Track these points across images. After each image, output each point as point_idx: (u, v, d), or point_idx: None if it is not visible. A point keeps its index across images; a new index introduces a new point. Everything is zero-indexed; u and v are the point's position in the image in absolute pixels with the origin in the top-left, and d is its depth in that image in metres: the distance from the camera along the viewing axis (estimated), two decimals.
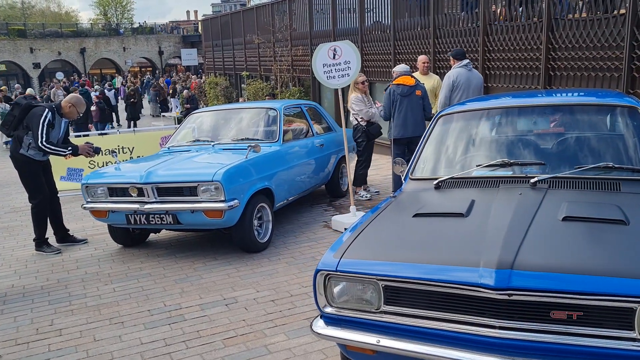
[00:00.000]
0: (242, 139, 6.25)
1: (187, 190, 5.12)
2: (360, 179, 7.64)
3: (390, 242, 2.54)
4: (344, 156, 7.73)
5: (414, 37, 9.99)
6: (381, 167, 9.66)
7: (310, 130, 7.04)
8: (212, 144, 6.19)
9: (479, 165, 3.21)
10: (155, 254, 5.66)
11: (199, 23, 25.48)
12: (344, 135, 6.44)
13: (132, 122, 21.16)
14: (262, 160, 5.65)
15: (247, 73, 16.82)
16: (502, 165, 3.15)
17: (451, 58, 7.08)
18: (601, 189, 2.84)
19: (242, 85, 18.05)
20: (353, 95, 7.33)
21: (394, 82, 6.69)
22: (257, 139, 6.24)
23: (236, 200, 5.06)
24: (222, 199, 5.00)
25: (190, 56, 23.84)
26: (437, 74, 8.97)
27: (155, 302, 4.39)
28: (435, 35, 9.43)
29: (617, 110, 3.23)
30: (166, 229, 5.83)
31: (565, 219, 2.44)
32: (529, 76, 7.70)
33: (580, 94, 3.67)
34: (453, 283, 2.15)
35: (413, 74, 6.98)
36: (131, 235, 5.93)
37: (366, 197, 7.49)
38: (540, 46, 7.43)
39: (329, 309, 2.46)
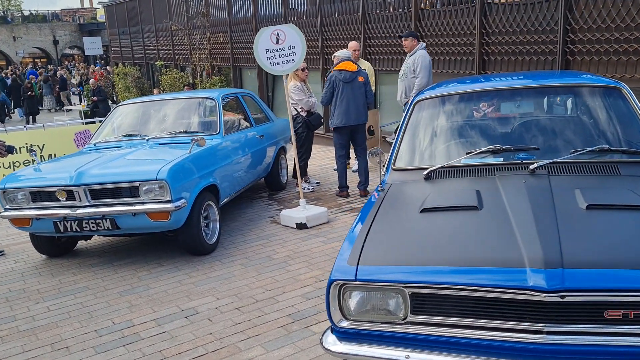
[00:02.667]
0: (180, 132, 5.74)
1: (127, 191, 4.59)
2: (301, 171, 7.32)
3: (407, 242, 2.28)
4: (283, 147, 7.41)
5: (342, 23, 9.78)
6: (314, 157, 9.40)
7: (249, 121, 6.63)
8: (146, 138, 5.63)
9: (470, 153, 3.02)
10: (88, 264, 5.06)
11: (104, 9, 23.83)
12: (290, 125, 6.09)
13: (30, 117, 19.51)
14: (206, 155, 5.20)
15: (162, 62, 15.92)
16: (494, 151, 2.98)
17: (410, 39, 6.87)
18: (601, 173, 2.74)
19: (157, 75, 17.10)
20: (292, 84, 6.99)
21: (335, 68, 6.43)
22: (197, 132, 5.76)
23: (183, 200, 4.60)
24: (168, 198, 4.52)
25: (94, 45, 22.31)
26: (368, 60, 8.83)
27: (102, 321, 3.87)
28: (365, 21, 9.27)
29: (602, 91, 3.15)
30: (101, 235, 5.24)
31: (589, 207, 2.28)
32: (463, 61, 7.72)
33: (562, 75, 3.58)
34: (496, 287, 1.92)
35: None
36: (57, 244, 5.28)
37: (308, 188, 7.21)
38: (474, 31, 7.46)
39: (344, 323, 2.15)
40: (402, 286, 2.05)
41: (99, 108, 17.20)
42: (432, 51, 8.10)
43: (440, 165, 2.99)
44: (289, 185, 7.54)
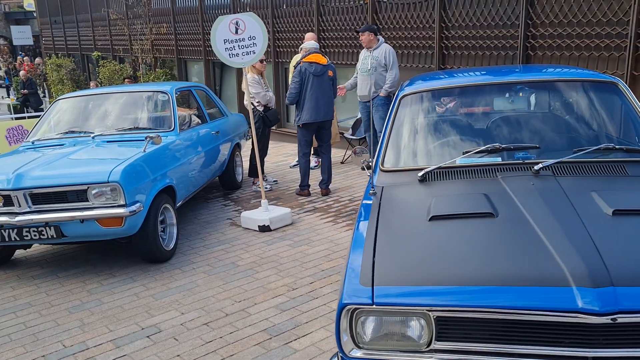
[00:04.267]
0: (130, 129, 5.26)
1: (73, 195, 4.11)
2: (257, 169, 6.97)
3: (424, 257, 2.01)
4: (238, 144, 7.03)
5: (295, 15, 9.44)
6: (268, 153, 9.06)
7: (203, 117, 6.21)
8: (92, 135, 5.12)
9: (467, 152, 2.79)
10: (29, 276, 4.53)
11: None
12: (251, 120, 5.73)
13: None
14: (161, 154, 4.77)
15: (98, 54, 15.04)
16: (493, 150, 2.76)
17: (367, 33, 6.65)
18: (609, 173, 2.57)
19: (94, 67, 16.17)
20: (249, 76, 6.59)
21: (304, 60, 6.10)
22: (149, 128, 5.30)
23: (139, 204, 4.17)
24: (122, 202, 4.08)
25: (22, 34, 20.90)
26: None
27: (50, 344, 3.40)
28: (319, 13, 8.97)
29: (600, 86, 3.00)
30: (44, 244, 4.72)
31: (616, 213, 2.09)
32: (422, 55, 7.57)
33: (556, 69, 3.41)
34: (538, 309, 1.68)
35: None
36: None
37: (266, 187, 6.85)
38: (433, 25, 7.32)
39: (358, 353, 1.86)
40: (427, 309, 1.78)
41: (30, 102, 16.12)
42: (390, 45, 7.92)
43: (437, 166, 2.74)
44: (245, 184, 7.17)
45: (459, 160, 2.79)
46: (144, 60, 12.84)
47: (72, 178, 4.09)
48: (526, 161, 2.69)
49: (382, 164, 2.94)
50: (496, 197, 2.35)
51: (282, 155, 8.81)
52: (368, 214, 2.45)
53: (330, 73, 6.15)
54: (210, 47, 11.55)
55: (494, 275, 1.82)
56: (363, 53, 7.24)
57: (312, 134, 6.36)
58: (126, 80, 12.32)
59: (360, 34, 7.06)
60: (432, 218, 2.23)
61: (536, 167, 2.57)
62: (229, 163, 6.66)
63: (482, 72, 3.54)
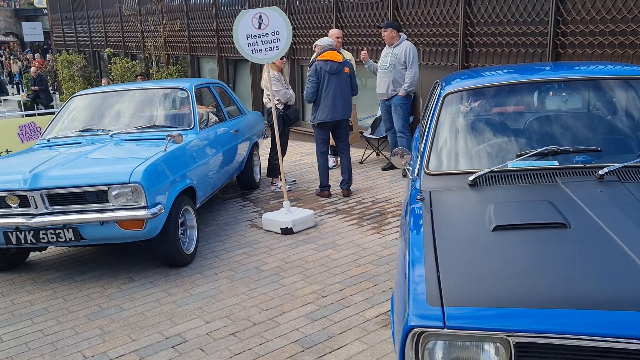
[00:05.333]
0: (148, 127, 5.08)
1: (93, 196, 3.93)
2: (277, 169, 6.78)
3: (495, 273, 1.80)
4: (256, 143, 6.84)
5: (312, 11, 9.23)
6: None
7: (222, 114, 6.02)
8: (110, 134, 4.95)
9: (522, 155, 2.58)
10: (45, 279, 4.36)
11: None
12: (274, 118, 5.53)
13: None
14: (182, 153, 4.58)
15: (111, 50, 14.90)
16: (550, 153, 2.55)
17: (390, 29, 6.48)
18: None
19: (105, 64, 16.03)
20: (268, 73, 6.41)
21: (319, 58, 5.90)
22: (168, 127, 5.12)
23: (160, 206, 3.98)
24: (143, 204, 3.90)
25: (33, 30, 20.83)
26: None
27: (70, 354, 3.23)
28: (337, 9, 8.76)
29: None
30: (60, 246, 4.55)
31: None
32: (445, 52, 7.35)
33: (615, 67, 3.18)
34: (636, 338, 1.48)
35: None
36: (6, 256, 4.54)
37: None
38: (457, 21, 7.09)
39: None
40: (506, 334, 1.58)
41: (40, 98, 16.01)
42: (411, 42, 7.70)
43: (489, 170, 2.54)
44: (262, 184, 6.98)
45: (512, 164, 2.58)
46: (157, 57, 12.68)
47: (92, 178, 3.91)
48: (587, 165, 2.48)
49: (427, 167, 2.74)
50: (563, 205, 2.14)
51: (299, 154, 8.62)
52: (419, 222, 2.25)
53: (346, 70, 5.94)
54: (224, 43, 11.45)
55: (580, 296, 1.61)
56: (384, 50, 7.04)
57: (328, 133, 6.17)
58: (139, 77, 12.14)
59: (382, 30, 6.87)
60: (496, 228, 2.03)
61: (601, 172, 2.36)
62: (247, 162, 6.48)
63: (530, 69, 3.33)
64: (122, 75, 13.30)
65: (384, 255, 4.44)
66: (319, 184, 6.28)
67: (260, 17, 5.00)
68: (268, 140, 7.36)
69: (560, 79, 2.99)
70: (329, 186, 6.27)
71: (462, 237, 2.07)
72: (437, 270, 1.81)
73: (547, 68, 3.40)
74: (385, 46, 7.11)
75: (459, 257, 1.91)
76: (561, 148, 2.56)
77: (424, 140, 2.89)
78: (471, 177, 2.52)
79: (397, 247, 2.83)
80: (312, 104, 6.09)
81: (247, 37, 5.02)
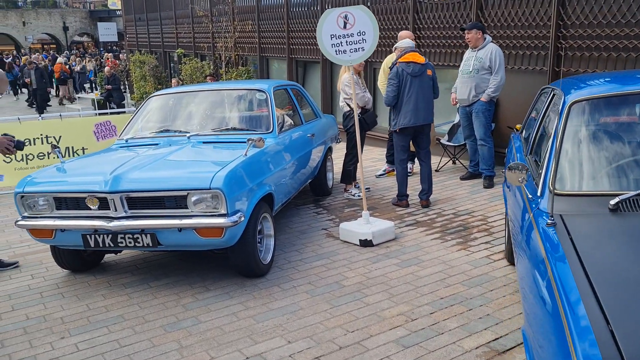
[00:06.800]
0: (226, 129, 4.92)
1: (172, 201, 3.77)
2: (351, 175, 6.51)
3: None
4: (330, 147, 6.59)
5: (388, 12, 8.91)
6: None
7: (299, 118, 5.81)
8: (187, 135, 4.81)
9: None
10: (120, 284, 4.25)
11: None
12: (356, 123, 5.25)
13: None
14: (262, 158, 4.38)
15: (182, 51, 15.08)
16: None
17: (474, 31, 6.15)
18: None
19: (175, 64, 16.27)
20: (346, 76, 6.15)
21: (401, 60, 5.59)
22: (245, 130, 4.94)
23: (240, 213, 3.78)
24: (223, 212, 3.70)
25: (108, 31, 21.49)
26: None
27: None
28: (415, 10, 8.40)
29: None
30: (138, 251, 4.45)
31: None
32: (534, 56, 6.85)
33: None
34: None
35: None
36: (82, 258, 4.47)
37: (358, 195, 6.39)
38: (549, 22, 6.58)
39: None
40: None
41: (113, 97, 16.42)
42: (496, 44, 7.27)
43: (637, 193, 2.16)
44: (335, 190, 6.72)
45: None
46: (227, 58, 12.69)
47: (172, 183, 3.75)
48: None
49: (555, 186, 2.38)
50: None
51: (370, 159, 8.31)
52: (559, 253, 1.91)
53: (429, 72, 5.60)
54: (294, 45, 11.29)
55: None
56: (467, 53, 6.65)
57: (409, 139, 5.84)
58: (208, 78, 12.18)
59: (466, 32, 6.48)
60: None
61: None
62: (320, 168, 6.24)
63: None
64: (191, 75, 13.39)
65: (474, 275, 4.07)
66: (397, 192, 5.96)
67: (345, 17, 4.74)
68: (340, 145, 7.13)
69: None
70: (407, 195, 5.95)
71: (623, 278, 1.72)
72: (607, 322, 1.47)
73: None
74: (467, 49, 6.73)
75: (629, 304, 1.57)
76: None
77: (547, 155, 2.54)
78: (613, 201, 2.15)
79: (520, 274, 2.48)
80: (391, 109, 5.79)
81: (332, 37, 4.77)
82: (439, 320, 3.42)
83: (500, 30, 7.17)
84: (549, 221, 2.15)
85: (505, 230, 4.57)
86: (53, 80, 21.57)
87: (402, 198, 5.92)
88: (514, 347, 3.06)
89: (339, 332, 3.34)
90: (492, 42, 6.44)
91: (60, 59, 22.80)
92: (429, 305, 3.64)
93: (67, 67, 21.97)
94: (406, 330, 3.32)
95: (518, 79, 7.01)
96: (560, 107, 2.70)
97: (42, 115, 11.91)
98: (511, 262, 4.16)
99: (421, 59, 5.59)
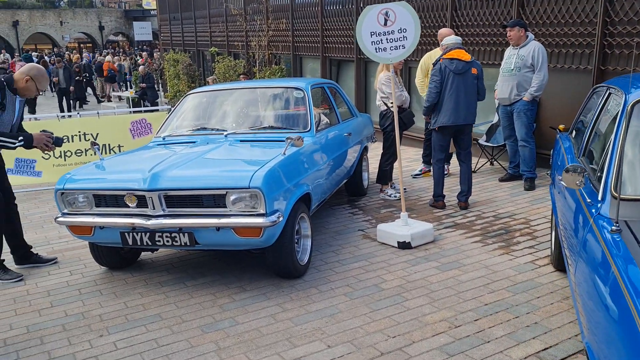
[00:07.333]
0: (263, 128, 4.87)
1: (210, 200, 3.73)
2: (387, 175, 6.40)
3: None
4: (366, 147, 6.49)
5: (425, 9, 8.75)
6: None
7: (336, 117, 5.72)
8: (225, 133, 4.77)
9: None
10: (156, 282, 4.24)
11: None
12: (395, 122, 5.14)
13: (78, 103, 19.05)
14: (301, 157, 4.31)
15: (215, 49, 15.16)
16: None
17: (517, 29, 6.00)
18: None
19: (209, 63, 16.36)
20: (383, 74, 6.05)
21: (445, 57, 5.45)
22: (283, 128, 4.88)
23: (278, 213, 3.71)
24: (262, 211, 3.64)
25: (143, 30, 21.79)
26: None
27: None
28: (453, 7, 8.23)
29: None
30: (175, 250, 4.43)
31: None
32: (578, 54, 6.60)
33: None
34: None
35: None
36: (120, 255, 4.47)
37: (394, 196, 6.27)
38: (595, 19, 6.35)
39: None
40: None
41: (147, 95, 16.60)
42: (539, 42, 7.07)
43: None
44: (370, 191, 6.62)
45: None
46: (261, 57, 12.69)
47: (211, 181, 3.70)
48: None
49: (617, 190, 2.24)
50: None
51: (405, 159, 8.16)
52: (628, 259, 1.78)
53: (474, 71, 5.43)
54: (328, 43, 11.21)
55: None
56: (508, 51, 6.47)
57: (448, 139, 5.70)
58: (242, 76, 12.20)
59: (508, 29, 6.30)
60: None
61: None
62: (356, 167, 6.14)
63: None
64: (224, 74, 13.43)
65: (519, 280, 3.93)
66: (433, 193, 5.83)
67: (386, 13, 4.63)
68: (374, 145, 7.02)
69: None
70: (444, 196, 5.81)
71: None
72: None
73: None
74: (507, 47, 6.55)
75: None
76: None
77: (608, 157, 2.39)
78: None
79: (578, 282, 2.34)
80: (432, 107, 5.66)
81: (372, 35, 4.67)
82: (484, 328, 3.29)
83: (542, 28, 6.95)
84: (613, 227, 2.02)
85: (550, 234, 4.41)
86: (92, 78, 21.95)
87: (438, 199, 5.79)
88: (565, 358, 2.92)
89: (380, 337, 3.24)
90: (534, 39, 6.26)
91: (108, 57, 23.19)
92: (472, 311, 3.51)
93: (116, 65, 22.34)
94: (450, 337, 3.20)
95: (561, 78, 6.78)
96: (620, 107, 2.55)
97: (79, 112, 12.09)
98: (558, 268, 4.00)
99: (466, 57, 5.43)
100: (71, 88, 17.35)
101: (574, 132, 3.96)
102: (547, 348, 3.02)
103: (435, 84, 5.42)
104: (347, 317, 3.51)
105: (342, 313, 3.57)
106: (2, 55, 29.92)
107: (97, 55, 25.11)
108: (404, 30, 4.65)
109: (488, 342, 3.13)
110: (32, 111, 16.17)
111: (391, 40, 4.67)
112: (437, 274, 4.12)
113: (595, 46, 6.34)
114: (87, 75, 21.09)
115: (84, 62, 21.58)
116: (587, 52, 6.49)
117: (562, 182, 2.77)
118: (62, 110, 17.09)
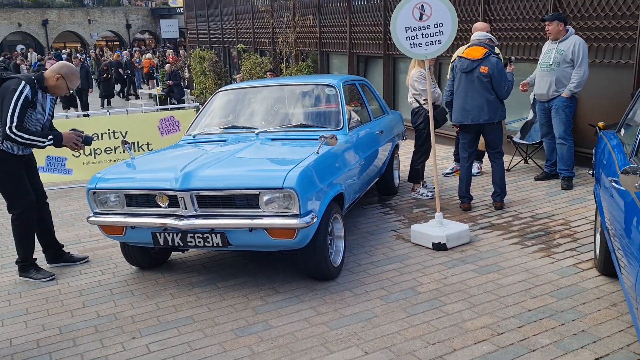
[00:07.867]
0: (295, 126, 4.77)
1: (242, 200, 3.65)
2: (419, 174, 6.26)
3: None
4: (397, 145, 6.36)
5: (458, 3, 8.54)
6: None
7: (367, 114, 5.60)
8: (256, 132, 4.69)
9: None
10: (187, 282, 4.18)
11: None
12: (431, 119, 5.00)
13: (105, 101, 19.26)
14: (334, 156, 4.20)
15: (242, 46, 15.13)
16: None
17: (556, 23, 5.80)
18: None
19: (235, 60, 16.36)
20: (415, 71, 5.90)
21: (460, 55, 5.35)
22: (315, 126, 4.77)
23: (312, 214, 3.61)
24: (296, 212, 3.55)
25: (170, 27, 21.92)
26: None
27: None
28: (486, 1, 8.01)
29: None
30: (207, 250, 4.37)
31: None
32: (618, 49, 6.36)
33: None
34: None
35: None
36: (151, 255, 4.43)
37: (426, 195, 6.13)
38: (636, 12, 6.10)
39: None
40: None
41: (173, 92, 16.68)
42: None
43: None
44: (401, 190, 6.48)
45: None
46: (289, 53, 12.60)
47: (244, 181, 3.62)
48: None
49: None
50: None
51: (438, 158, 7.98)
52: None
53: (483, 69, 5.16)
54: (356, 39, 11.07)
55: None
56: (547, 45, 6.25)
57: (468, 137, 5.50)
58: (268, 73, 12.12)
59: (547, 23, 6.08)
60: None
61: None
62: (387, 166, 6.01)
63: None
64: (250, 70, 13.39)
65: (563, 285, 3.76)
66: (458, 193, 5.67)
67: (422, 7, 4.49)
68: (404, 142, 6.87)
69: None
70: (468, 197, 5.59)
71: None
72: None
73: None
74: (545, 41, 6.33)
75: None
76: None
77: None
78: None
79: (636, 289, 2.20)
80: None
81: (407, 30, 4.53)
82: (528, 336, 3.15)
83: (580, 22, 6.71)
84: None
85: (594, 236, 4.22)
86: (136, 74, 22.21)
87: (462, 200, 5.59)
88: None
89: (419, 344, 3.12)
90: (574, 34, 6.04)
91: (148, 55, 23.40)
92: (515, 317, 3.37)
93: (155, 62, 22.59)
94: (493, 345, 3.07)
95: (599, 73, 6.54)
96: None
97: (109, 110, 12.15)
98: (604, 272, 3.82)
99: (475, 55, 5.22)
100: (90, 88, 17.30)
101: (622, 130, 3.77)
102: (598, 359, 2.87)
103: (449, 82, 5.40)
104: (384, 321, 3.40)
105: (378, 317, 3.46)
106: (31, 54, 30.40)
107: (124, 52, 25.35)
108: (440, 25, 4.50)
109: (533, 350, 2.99)
110: (73, 105, 16.07)
111: (427, 35, 4.53)
112: (476, 277, 3.97)
113: (637, 40, 6.10)
114: (129, 72, 21.34)
115: (124, 59, 21.79)
116: (629, 46, 6.24)
117: (612, 183, 2.61)
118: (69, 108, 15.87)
